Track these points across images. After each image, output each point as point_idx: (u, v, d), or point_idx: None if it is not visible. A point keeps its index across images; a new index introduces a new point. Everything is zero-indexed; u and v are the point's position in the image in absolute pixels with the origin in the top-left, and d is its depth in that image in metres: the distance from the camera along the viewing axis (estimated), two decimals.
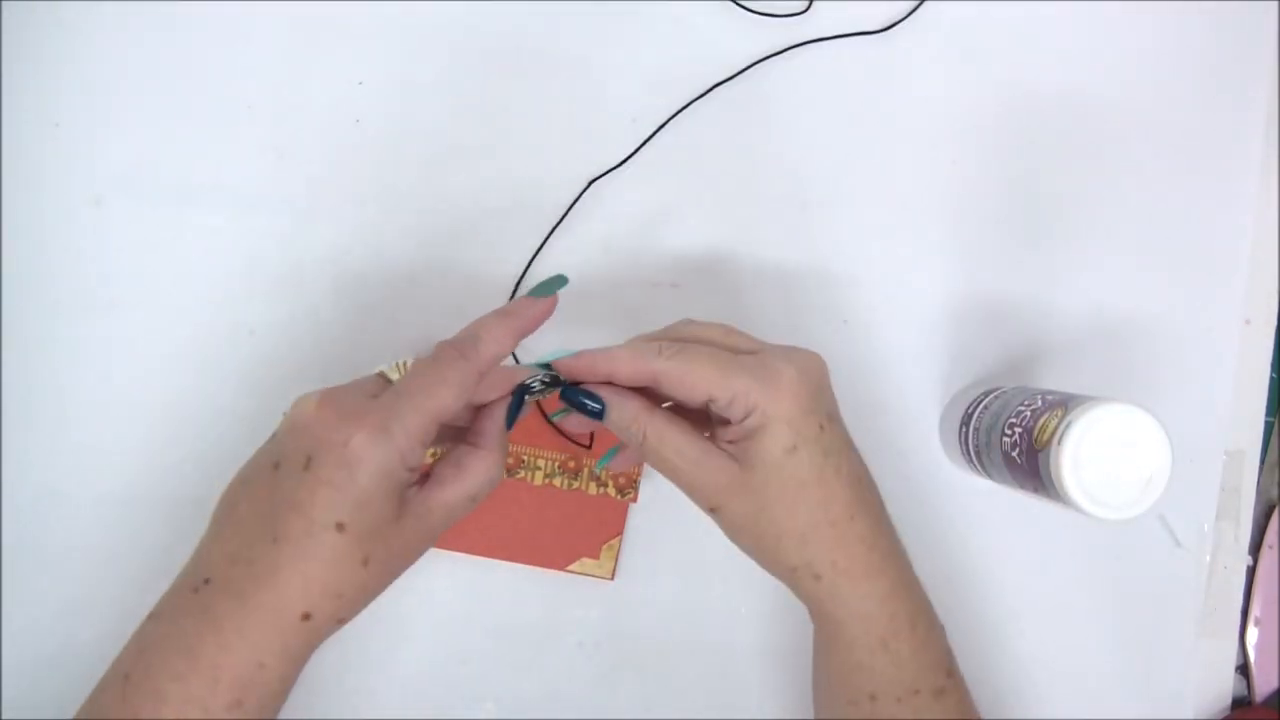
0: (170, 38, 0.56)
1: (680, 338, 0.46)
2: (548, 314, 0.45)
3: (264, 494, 0.41)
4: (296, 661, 0.41)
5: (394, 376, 0.43)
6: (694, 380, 0.43)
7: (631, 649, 0.57)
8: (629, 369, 0.44)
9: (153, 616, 0.42)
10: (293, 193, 0.56)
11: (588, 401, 0.45)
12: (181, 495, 0.55)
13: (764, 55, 0.58)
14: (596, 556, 0.56)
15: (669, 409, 0.46)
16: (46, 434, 0.55)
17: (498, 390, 0.45)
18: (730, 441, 0.44)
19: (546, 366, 0.45)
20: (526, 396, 0.45)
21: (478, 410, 0.45)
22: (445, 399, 0.41)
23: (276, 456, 0.41)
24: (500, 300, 0.57)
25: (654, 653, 0.57)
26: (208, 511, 0.55)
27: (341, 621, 0.41)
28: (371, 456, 0.39)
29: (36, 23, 0.55)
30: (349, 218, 0.56)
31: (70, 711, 0.54)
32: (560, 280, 0.46)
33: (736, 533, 0.46)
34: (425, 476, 0.43)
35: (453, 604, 0.56)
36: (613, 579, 0.56)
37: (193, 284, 0.56)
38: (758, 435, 0.43)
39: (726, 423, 0.44)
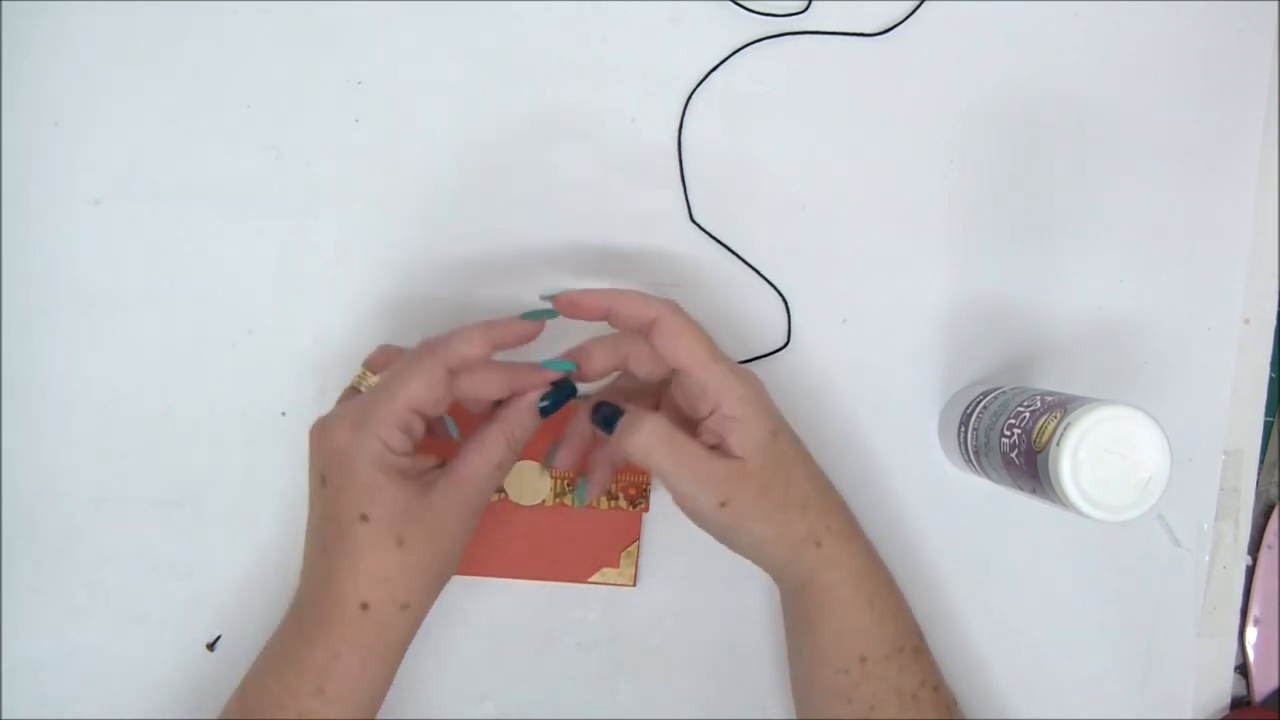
0: (170, 38, 0.56)
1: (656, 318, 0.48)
2: (529, 337, 0.48)
3: (312, 518, 0.47)
4: (374, 652, 0.45)
5: (363, 385, 0.49)
6: (684, 345, 0.47)
7: (630, 649, 0.57)
8: (630, 309, 0.48)
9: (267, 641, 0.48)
10: (292, 193, 0.56)
11: (614, 418, 0.48)
12: (181, 495, 0.55)
13: (755, 38, 0.58)
14: (617, 565, 0.56)
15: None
16: (46, 434, 0.55)
17: (491, 385, 0.47)
18: (712, 446, 0.48)
19: (553, 380, 0.48)
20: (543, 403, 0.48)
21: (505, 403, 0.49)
22: (414, 388, 0.45)
23: (309, 488, 0.47)
24: (498, 297, 0.57)
25: (653, 653, 0.57)
26: (207, 511, 0.55)
27: (405, 607, 0.45)
28: (356, 447, 0.44)
29: (36, 23, 0.55)
30: (348, 217, 0.56)
31: (70, 711, 0.55)
32: (550, 313, 0.49)
33: (747, 521, 0.48)
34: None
35: (452, 604, 0.56)
36: (634, 586, 0.56)
37: (192, 284, 0.56)
38: (741, 426, 0.47)
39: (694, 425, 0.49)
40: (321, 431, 0.46)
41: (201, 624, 0.55)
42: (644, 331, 0.48)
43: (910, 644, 0.50)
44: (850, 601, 0.49)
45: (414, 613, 0.46)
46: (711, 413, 0.47)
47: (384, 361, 0.49)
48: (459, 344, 0.46)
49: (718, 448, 0.48)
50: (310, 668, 0.45)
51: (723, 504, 0.47)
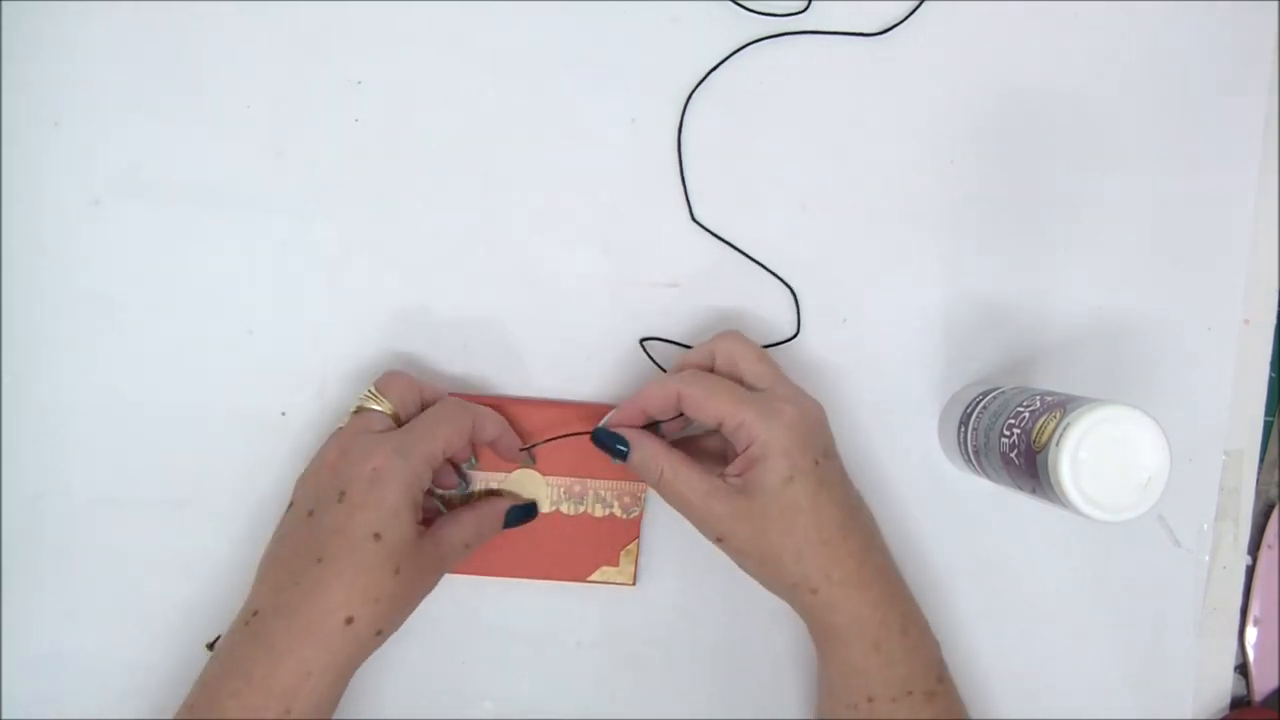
0: (170, 38, 0.56)
1: (714, 352, 0.53)
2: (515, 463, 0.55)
3: (304, 534, 0.48)
4: (341, 673, 0.47)
5: (375, 405, 0.50)
6: (711, 404, 0.49)
7: (630, 649, 0.57)
8: (660, 396, 0.51)
9: (212, 658, 0.48)
10: (292, 193, 0.56)
11: (614, 444, 0.52)
12: (180, 496, 0.55)
13: (754, 38, 0.58)
14: (616, 564, 0.56)
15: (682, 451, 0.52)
16: (46, 434, 0.55)
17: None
18: (736, 475, 0.50)
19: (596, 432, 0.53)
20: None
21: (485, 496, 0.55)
22: (449, 433, 0.49)
23: (310, 505, 0.48)
24: (498, 297, 0.57)
25: (653, 652, 0.57)
26: (207, 511, 0.56)
27: (379, 635, 0.47)
28: (394, 473, 0.47)
29: (36, 23, 0.55)
30: (348, 218, 0.56)
31: (70, 711, 0.55)
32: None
33: (741, 556, 0.50)
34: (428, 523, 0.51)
35: (452, 604, 0.56)
36: (634, 585, 0.56)
37: (192, 284, 0.56)
38: (758, 466, 0.48)
39: (733, 457, 0.50)
40: (349, 451, 0.48)
41: (201, 624, 0.55)
42: (680, 409, 0.51)
43: (923, 687, 0.50)
44: (853, 644, 0.49)
45: (379, 643, 0.48)
46: (746, 447, 0.49)
47: (394, 387, 0.51)
48: (485, 421, 0.52)
49: (741, 478, 0.49)
50: (279, 688, 0.45)
51: (719, 540, 0.50)
